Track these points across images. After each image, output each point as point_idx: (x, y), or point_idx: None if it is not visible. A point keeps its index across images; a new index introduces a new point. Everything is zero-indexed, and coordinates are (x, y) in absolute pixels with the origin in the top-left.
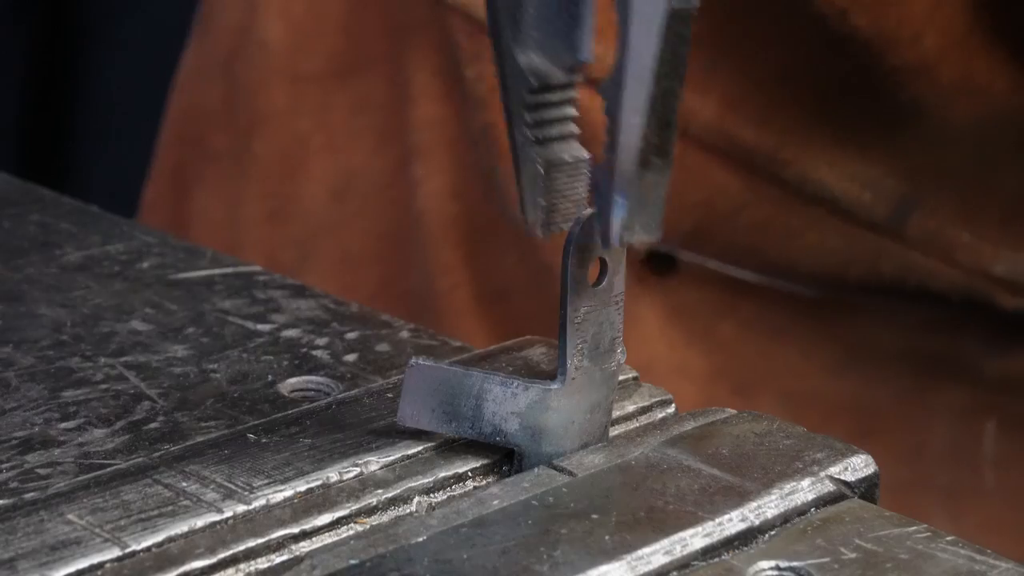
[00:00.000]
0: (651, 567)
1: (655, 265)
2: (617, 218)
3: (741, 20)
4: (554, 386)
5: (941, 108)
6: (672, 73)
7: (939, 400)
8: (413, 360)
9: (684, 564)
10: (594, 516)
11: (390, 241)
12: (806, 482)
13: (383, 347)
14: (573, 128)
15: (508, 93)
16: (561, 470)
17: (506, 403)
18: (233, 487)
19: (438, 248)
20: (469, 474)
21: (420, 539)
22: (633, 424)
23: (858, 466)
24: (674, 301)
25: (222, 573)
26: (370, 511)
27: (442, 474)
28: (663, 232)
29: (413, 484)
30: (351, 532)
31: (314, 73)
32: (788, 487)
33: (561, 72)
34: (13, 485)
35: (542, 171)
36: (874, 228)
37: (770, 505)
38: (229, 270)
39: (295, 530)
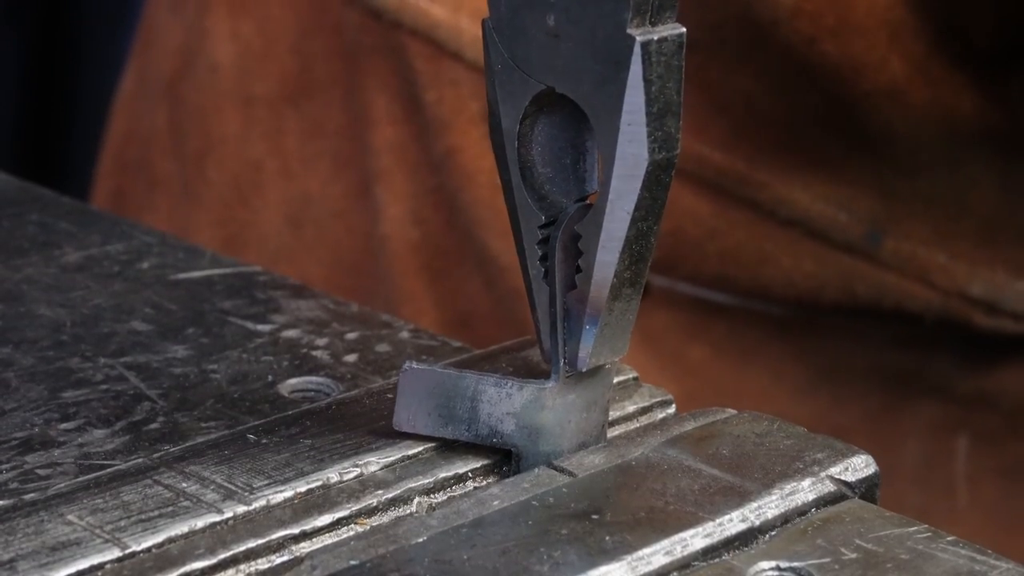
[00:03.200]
0: (651, 567)
1: None
2: (587, 345)
3: (706, 47)
4: (548, 385)
5: (912, 132)
6: (649, 215)
7: (910, 418)
8: (406, 364)
9: (684, 564)
10: (594, 516)
11: (349, 268)
12: (806, 482)
13: (383, 347)
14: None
15: (518, 228)
16: (561, 470)
17: (501, 404)
18: (233, 488)
19: (401, 275)
20: (469, 475)
21: (420, 539)
22: (633, 424)
23: (858, 466)
24: (645, 326)
25: (222, 574)
26: (370, 512)
27: (442, 475)
28: None
29: (413, 485)
30: (351, 533)
31: (266, 96)
32: (788, 487)
33: (570, 204)
34: (13, 486)
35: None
36: (849, 250)
37: (770, 505)
38: (229, 270)
39: (295, 531)
